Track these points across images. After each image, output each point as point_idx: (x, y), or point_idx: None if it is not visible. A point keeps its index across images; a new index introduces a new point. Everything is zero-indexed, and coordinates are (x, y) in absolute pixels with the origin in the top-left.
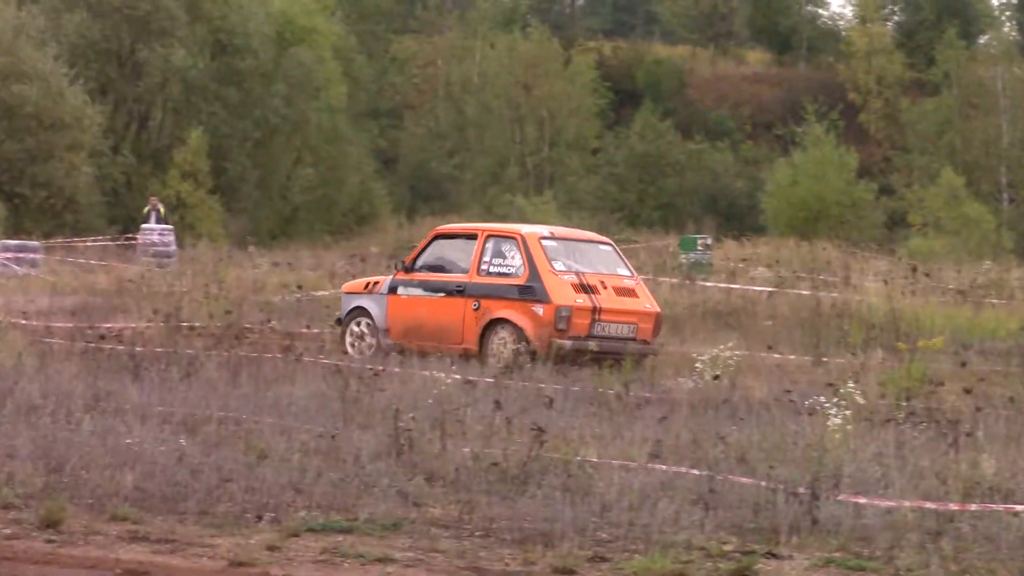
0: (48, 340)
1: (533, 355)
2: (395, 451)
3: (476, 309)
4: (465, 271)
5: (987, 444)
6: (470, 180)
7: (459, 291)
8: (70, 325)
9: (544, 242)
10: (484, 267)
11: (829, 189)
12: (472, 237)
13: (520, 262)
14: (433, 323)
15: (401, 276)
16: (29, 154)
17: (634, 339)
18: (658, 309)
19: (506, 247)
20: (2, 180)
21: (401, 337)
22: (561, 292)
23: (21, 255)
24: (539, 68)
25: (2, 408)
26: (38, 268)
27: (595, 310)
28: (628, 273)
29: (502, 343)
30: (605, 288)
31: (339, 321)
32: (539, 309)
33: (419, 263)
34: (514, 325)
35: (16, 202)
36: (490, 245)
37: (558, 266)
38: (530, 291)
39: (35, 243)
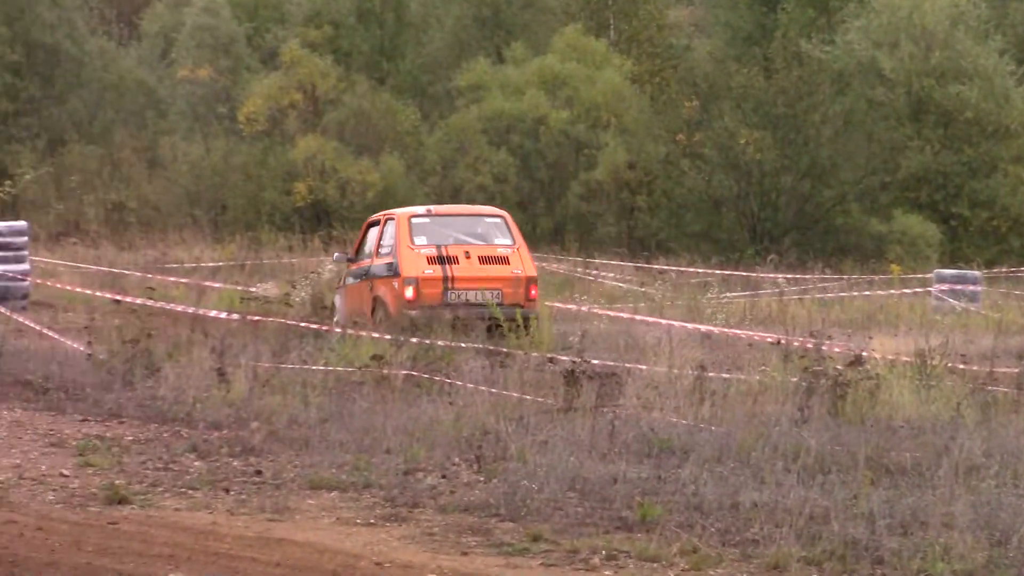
0: (991, 388)
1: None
2: None
3: (371, 290)
4: (371, 256)
5: None
6: None
7: (364, 275)
8: (1016, 371)
9: (414, 220)
10: (381, 250)
11: None
12: (378, 224)
13: (394, 242)
14: (357, 308)
15: (349, 267)
16: (968, 167)
17: (501, 304)
18: (530, 274)
19: (391, 229)
20: (936, 198)
21: (349, 324)
22: (412, 265)
23: (958, 287)
24: None
25: (937, 468)
26: (978, 302)
27: (447, 279)
28: (509, 242)
29: (379, 319)
30: (468, 258)
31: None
32: (395, 283)
33: (358, 253)
34: (383, 300)
35: (953, 224)
36: (387, 229)
37: (418, 241)
38: (392, 267)
39: (975, 273)
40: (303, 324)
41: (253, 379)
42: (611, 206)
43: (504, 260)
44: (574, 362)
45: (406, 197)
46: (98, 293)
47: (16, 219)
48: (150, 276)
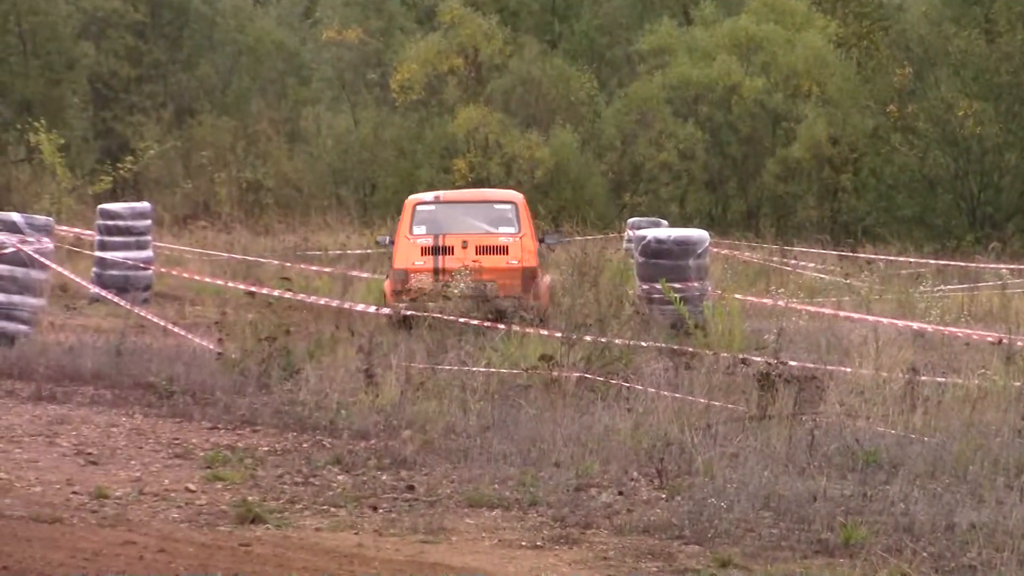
0: None
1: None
2: None
3: (386, 276)
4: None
5: None
6: None
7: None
8: None
9: (419, 207)
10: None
11: None
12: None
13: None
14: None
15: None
16: None
17: (496, 296)
18: (528, 264)
19: (405, 216)
20: None
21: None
22: (404, 256)
23: None
24: None
25: None
26: None
27: (437, 271)
28: (513, 231)
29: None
30: (464, 248)
31: None
32: (390, 273)
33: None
34: (384, 290)
35: None
36: (404, 215)
37: (417, 230)
38: (391, 257)
39: None
40: (462, 320)
41: (405, 382)
42: (812, 186)
43: (503, 250)
44: (769, 364)
45: (580, 176)
46: (230, 284)
47: (138, 200)
48: (289, 265)
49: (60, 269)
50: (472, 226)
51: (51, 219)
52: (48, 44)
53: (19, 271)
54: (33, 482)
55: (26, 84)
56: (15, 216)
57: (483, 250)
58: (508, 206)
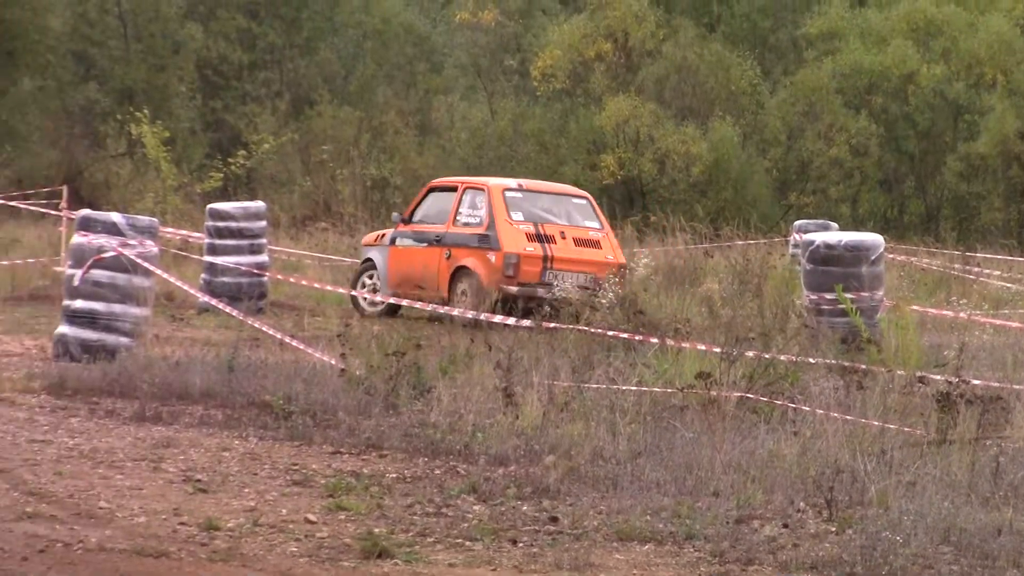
0: None
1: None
2: None
3: (448, 258)
4: (445, 222)
5: None
6: None
7: (437, 241)
8: None
9: (508, 193)
10: (459, 218)
11: None
12: (454, 189)
13: (484, 212)
14: (419, 272)
15: (400, 228)
16: None
17: (588, 288)
18: (622, 261)
19: (478, 199)
20: None
21: (396, 286)
22: (512, 240)
23: None
24: None
25: None
26: None
27: (546, 258)
28: (598, 226)
29: (463, 289)
30: (564, 238)
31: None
32: (492, 256)
33: (416, 215)
34: (472, 272)
35: None
36: (466, 197)
37: (516, 216)
38: (486, 239)
39: None
40: (611, 333)
41: (548, 402)
42: (997, 186)
43: (596, 244)
44: (949, 382)
45: (741, 174)
46: (353, 292)
47: (252, 199)
48: None
49: (165, 275)
50: (564, 218)
51: (155, 220)
52: (151, 26)
53: (120, 278)
54: (136, 512)
55: (127, 70)
56: (116, 216)
57: (580, 243)
58: (584, 201)
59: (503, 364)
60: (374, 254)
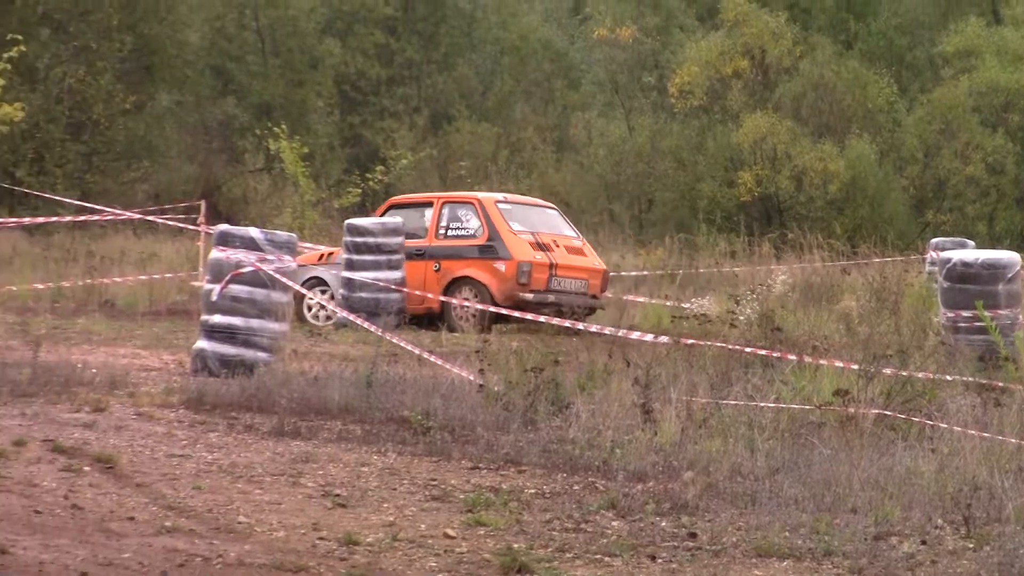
0: None
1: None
2: None
3: (437, 270)
4: (423, 236)
5: None
6: None
7: (419, 255)
8: None
9: (500, 205)
10: (443, 231)
11: None
12: (427, 205)
13: (478, 224)
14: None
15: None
16: None
17: (584, 294)
18: (604, 267)
19: (462, 212)
20: None
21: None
22: (521, 249)
23: None
24: None
25: None
26: None
27: (551, 266)
28: (574, 234)
29: (465, 299)
30: (557, 246)
31: None
32: (501, 266)
33: None
34: (477, 282)
35: None
36: (447, 211)
37: (515, 226)
38: (491, 250)
39: None
40: (749, 350)
41: (686, 418)
42: None
43: (582, 251)
44: None
45: (878, 191)
46: (491, 308)
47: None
48: None
49: (304, 291)
50: (548, 227)
51: (294, 235)
52: (289, 41)
53: (259, 293)
54: (275, 526)
55: (265, 86)
56: (254, 232)
57: (570, 250)
58: (555, 212)
59: (641, 380)
60: (322, 273)
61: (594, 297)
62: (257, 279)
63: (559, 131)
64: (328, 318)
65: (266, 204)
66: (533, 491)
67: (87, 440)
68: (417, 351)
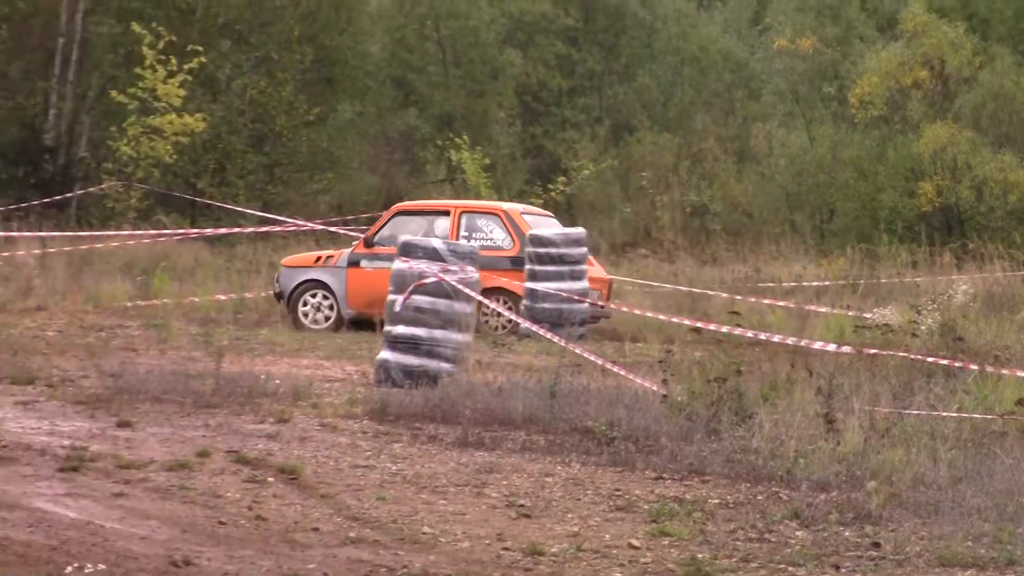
0: None
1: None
2: None
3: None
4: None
5: None
6: None
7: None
8: None
9: (525, 216)
10: (464, 241)
11: None
12: (438, 213)
13: (505, 235)
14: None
15: (362, 250)
16: None
17: (596, 303)
18: (609, 276)
19: (482, 222)
20: None
21: (365, 307)
22: None
23: None
24: None
25: None
26: None
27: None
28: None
29: (496, 312)
30: None
31: (279, 295)
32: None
33: (380, 238)
34: (511, 293)
35: None
36: (466, 221)
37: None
38: (523, 262)
39: None
40: (931, 359)
41: (869, 428)
42: None
43: (590, 261)
44: None
45: None
46: (674, 319)
47: (572, 225)
48: (739, 298)
49: (487, 301)
50: None
51: (475, 246)
52: (470, 52)
53: (442, 303)
54: (460, 537)
55: (446, 96)
56: (436, 243)
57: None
58: (554, 220)
59: (824, 390)
60: (321, 276)
61: (601, 307)
62: (440, 290)
63: (740, 141)
64: (326, 319)
65: None
66: (717, 501)
67: (271, 451)
68: (600, 362)
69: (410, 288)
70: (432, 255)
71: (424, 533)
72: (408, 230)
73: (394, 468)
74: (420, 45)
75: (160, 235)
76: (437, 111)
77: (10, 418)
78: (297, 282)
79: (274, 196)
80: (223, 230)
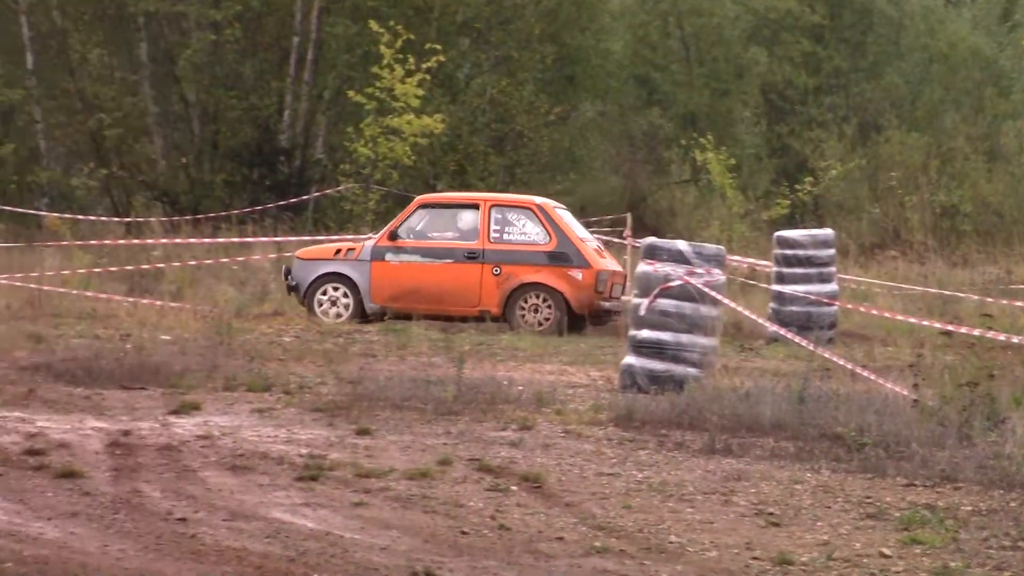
0: None
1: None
2: None
3: (497, 274)
4: (469, 238)
5: None
6: None
7: (472, 257)
8: None
9: (559, 211)
10: (498, 235)
11: None
12: (466, 206)
13: (541, 230)
14: (438, 287)
15: (386, 243)
16: None
17: (618, 298)
18: (622, 269)
19: (513, 215)
20: None
21: (389, 301)
22: (593, 257)
23: None
24: None
25: None
26: None
27: (613, 272)
28: (592, 236)
29: (534, 307)
30: (601, 253)
31: (292, 288)
32: (577, 274)
33: (406, 232)
34: (551, 289)
35: None
36: (496, 214)
37: (580, 233)
38: (564, 257)
39: None
40: None
41: None
42: None
43: (607, 255)
44: None
45: None
46: (924, 322)
47: (820, 226)
48: (990, 300)
49: (733, 305)
50: (582, 231)
51: (722, 248)
52: (714, 50)
53: (687, 307)
54: (707, 546)
55: (690, 95)
56: (682, 245)
57: (601, 254)
58: (570, 213)
59: None
60: (342, 268)
61: (616, 299)
62: (686, 293)
63: (990, 140)
64: (338, 315)
65: (693, 216)
66: (969, 508)
67: (514, 459)
68: (850, 366)
69: (655, 291)
70: (677, 257)
71: (671, 542)
72: (433, 223)
73: (640, 476)
74: (663, 43)
75: None
76: (681, 110)
77: (247, 426)
78: (316, 275)
79: None
80: None
